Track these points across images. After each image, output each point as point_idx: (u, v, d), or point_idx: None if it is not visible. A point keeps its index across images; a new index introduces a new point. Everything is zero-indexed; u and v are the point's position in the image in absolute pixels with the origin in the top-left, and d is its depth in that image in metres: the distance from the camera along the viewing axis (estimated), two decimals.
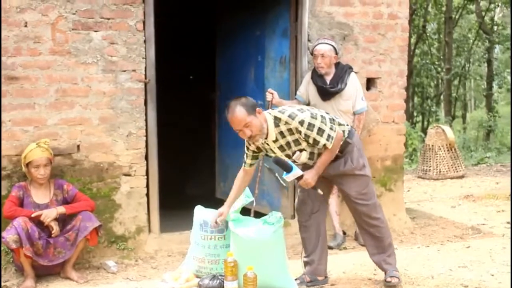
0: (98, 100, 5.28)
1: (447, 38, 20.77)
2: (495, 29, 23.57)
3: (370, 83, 6.14)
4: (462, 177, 9.76)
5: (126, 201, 5.43)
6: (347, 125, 4.37)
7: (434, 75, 23.08)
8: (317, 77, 5.62)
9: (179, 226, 5.69)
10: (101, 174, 5.33)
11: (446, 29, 20.97)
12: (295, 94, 5.85)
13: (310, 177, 4.17)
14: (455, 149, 9.91)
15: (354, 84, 5.63)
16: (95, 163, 5.31)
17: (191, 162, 8.21)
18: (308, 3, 5.80)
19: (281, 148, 4.21)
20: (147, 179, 5.49)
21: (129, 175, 5.40)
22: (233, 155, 6.71)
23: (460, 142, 18.43)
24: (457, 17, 21.99)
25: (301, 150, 4.17)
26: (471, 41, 24.23)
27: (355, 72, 5.79)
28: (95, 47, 5.24)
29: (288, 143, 4.17)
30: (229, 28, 6.71)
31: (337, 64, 5.65)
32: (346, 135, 4.30)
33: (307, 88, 5.70)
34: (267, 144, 4.24)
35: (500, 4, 22.46)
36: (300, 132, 4.08)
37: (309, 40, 5.82)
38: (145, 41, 5.38)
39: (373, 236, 4.49)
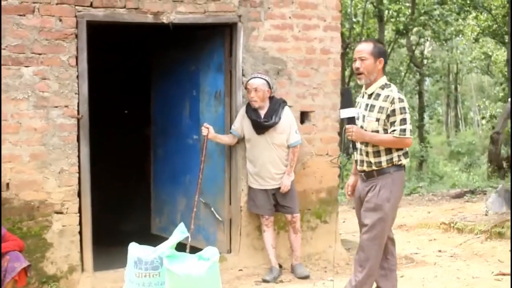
0: (29, 137, 5.17)
1: None
2: (425, 63, 24.37)
3: (304, 116, 6.22)
4: None
5: (58, 240, 5.29)
6: (408, 156, 4.36)
7: None
8: (251, 111, 5.67)
9: (113, 264, 5.58)
10: (32, 212, 5.19)
11: None
12: (230, 128, 5.88)
13: (356, 129, 4.20)
14: None
15: (288, 117, 5.71)
16: (26, 201, 5.17)
17: (126, 198, 8.09)
18: (242, 39, 5.87)
19: (366, 106, 4.29)
20: (80, 216, 5.38)
21: (61, 213, 5.27)
22: (169, 190, 6.67)
23: None
24: (389, 50, 22.61)
25: (377, 120, 4.21)
26: (402, 73, 24.93)
27: (289, 106, 5.88)
28: (26, 82, 5.15)
29: (373, 106, 4.24)
30: (164, 63, 6.71)
31: (271, 98, 5.72)
32: (398, 161, 4.26)
33: (241, 122, 5.74)
34: (363, 95, 4.35)
35: (429, 39, 23.25)
36: (392, 104, 4.17)
37: (243, 75, 5.88)
38: (78, 77, 5.32)
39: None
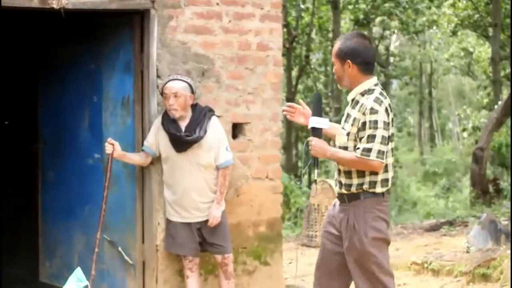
0: None
1: None
2: (391, 61, 24.87)
3: (237, 129, 6.25)
4: None
5: None
6: (387, 184, 4.40)
7: None
8: (169, 122, 5.66)
9: None
10: None
11: None
12: (142, 144, 5.86)
13: (315, 142, 4.35)
14: None
15: (216, 131, 5.72)
16: None
17: (7, 234, 7.93)
18: (156, 30, 5.87)
19: (346, 116, 4.45)
20: None
21: None
22: (63, 225, 6.61)
23: None
24: None
25: (348, 133, 4.36)
26: None
27: (218, 116, 5.89)
28: None
29: (349, 117, 4.40)
30: (55, 61, 6.66)
31: (194, 106, 5.73)
32: (370, 189, 4.33)
33: (156, 136, 5.73)
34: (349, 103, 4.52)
35: (396, 31, 23.73)
36: (364, 115, 4.27)
37: (158, 76, 5.87)
38: None
39: None
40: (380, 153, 4.22)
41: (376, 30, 23.57)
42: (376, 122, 4.23)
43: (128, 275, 6.05)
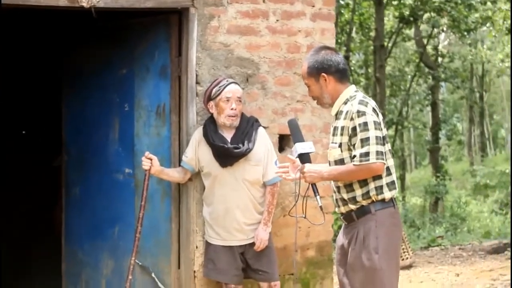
0: None
1: (378, 73, 21.55)
2: (440, 62, 24.73)
3: (284, 141, 6.18)
4: (409, 267, 9.94)
5: None
6: (395, 187, 4.51)
7: None
8: (213, 133, 5.60)
9: None
10: None
11: (376, 61, 21.76)
12: (179, 158, 5.83)
13: (311, 168, 4.50)
14: None
15: (264, 143, 5.68)
16: None
17: (26, 257, 7.96)
18: (196, 31, 5.84)
19: (332, 131, 4.62)
20: None
21: None
22: (89, 247, 6.58)
23: (401, 215, 18.88)
24: (390, 45, 22.89)
25: (340, 145, 4.49)
26: (409, 77, 25.20)
27: (264, 127, 5.85)
28: None
29: (336, 129, 4.55)
30: (82, 65, 6.65)
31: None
32: (379, 195, 4.42)
33: (196, 150, 5.67)
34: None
35: (445, 29, 23.61)
36: (352, 120, 4.40)
37: (197, 83, 5.84)
38: None
39: None
40: (379, 154, 4.34)
41: (424, 28, 23.42)
42: (366, 124, 4.36)
43: None
